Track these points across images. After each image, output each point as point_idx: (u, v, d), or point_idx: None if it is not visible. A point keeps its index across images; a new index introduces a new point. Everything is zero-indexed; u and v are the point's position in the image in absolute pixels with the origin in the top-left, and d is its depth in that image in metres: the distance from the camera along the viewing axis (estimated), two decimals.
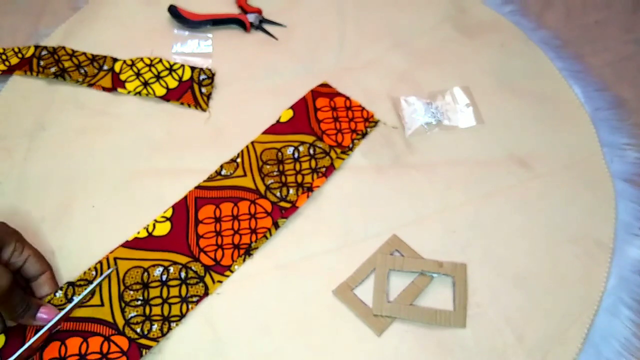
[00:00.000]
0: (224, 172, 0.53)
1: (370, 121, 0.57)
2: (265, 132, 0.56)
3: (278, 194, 0.51)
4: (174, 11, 0.65)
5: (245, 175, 0.52)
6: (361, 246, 0.49)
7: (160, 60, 0.61)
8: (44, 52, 0.62)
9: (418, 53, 0.64)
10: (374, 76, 0.62)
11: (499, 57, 0.64)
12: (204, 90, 0.59)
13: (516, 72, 0.62)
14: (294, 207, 0.50)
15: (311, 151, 0.54)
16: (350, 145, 0.55)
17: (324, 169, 0.53)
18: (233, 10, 0.68)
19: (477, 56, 0.64)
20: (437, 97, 0.60)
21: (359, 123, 0.57)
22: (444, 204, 0.52)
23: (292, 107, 0.58)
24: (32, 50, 0.62)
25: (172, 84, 0.60)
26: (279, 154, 0.54)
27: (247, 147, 0.54)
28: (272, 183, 0.52)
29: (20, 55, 0.62)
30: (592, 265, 0.48)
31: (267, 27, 0.67)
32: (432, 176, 0.54)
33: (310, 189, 0.52)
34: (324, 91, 0.59)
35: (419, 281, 0.47)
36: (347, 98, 0.59)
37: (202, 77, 0.60)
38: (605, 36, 0.68)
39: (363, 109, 0.58)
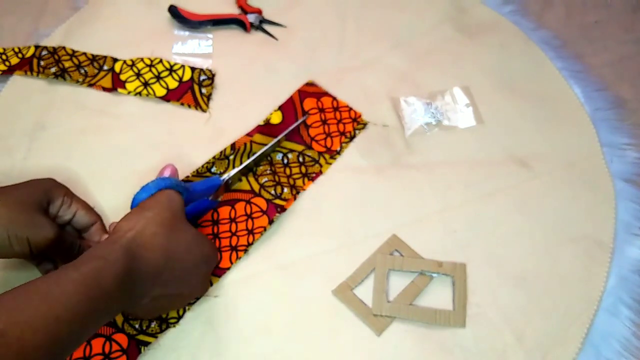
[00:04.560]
0: (214, 169, 0.53)
1: (359, 122, 0.57)
2: (259, 132, 0.55)
3: (273, 192, 0.51)
4: (174, 11, 0.65)
5: (240, 180, 0.52)
6: (361, 246, 0.49)
7: (161, 61, 0.61)
8: (44, 52, 0.62)
9: (418, 53, 0.64)
10: (374, 76, 0.62)
11: (498, 57, 0.64)
12: (204, 90, 0.59)
13: (516, 72, 0.62)
14: (282, 209, 0.51)
15: (300, 159, 0.54)
16: (339, 149, 0.55)
17: (314, 175, 0.53)
18: (233, 10, 0.68)
19: (477, 56, 0.64)
20: (436, 97, 0.60)
21: (347, 124, 0.56)
22: (444, 204, 0.52)
23: (280, 109, 0.57)
24: (32, 50, 0.62)
25: (172, 84, 0.60)
26: (269, 158, 0.54)
27: (237, 145, 0.54)
28: (266, 181, 0.52)
29: (20, 55, 0.62)
30: (592, 265, 0.48)
31: (267, 27, 0.67)
32: (432, 176, 0.54)
33: (297, 192, 0.52)
34: (311, 91, 0.59)
35: (419, 281, 0.47)
36: (334, 98, 0.58)
37: (202, 77, 0.60)
38: (605, 36, 0.68)
39: (350, 109, 0.58)
